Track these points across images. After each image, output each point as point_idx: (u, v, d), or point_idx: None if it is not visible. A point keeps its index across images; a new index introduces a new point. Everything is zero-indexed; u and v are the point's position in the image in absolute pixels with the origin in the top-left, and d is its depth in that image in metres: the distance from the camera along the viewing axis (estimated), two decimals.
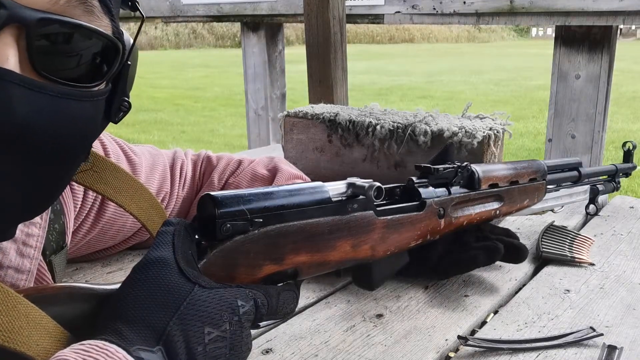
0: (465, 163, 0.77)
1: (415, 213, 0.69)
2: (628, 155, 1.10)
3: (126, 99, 0.54)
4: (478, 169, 0.78)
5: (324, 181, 0.59)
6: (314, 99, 1.75)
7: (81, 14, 0.45)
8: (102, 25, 0.47)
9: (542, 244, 0.90)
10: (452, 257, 0.77)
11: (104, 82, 0.50)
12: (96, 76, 0.48)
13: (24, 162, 0.44)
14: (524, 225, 1.03)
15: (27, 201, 0.47)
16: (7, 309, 0.41)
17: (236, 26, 16.30)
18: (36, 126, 0.43)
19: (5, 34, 0.41)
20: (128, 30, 0.55)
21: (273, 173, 0.88)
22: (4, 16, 0.40)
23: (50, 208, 0.64)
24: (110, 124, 0.56)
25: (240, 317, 0.46)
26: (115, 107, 0.53)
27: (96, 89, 0.49)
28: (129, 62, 0.53)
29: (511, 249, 0.80)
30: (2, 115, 0.40)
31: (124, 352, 0.40)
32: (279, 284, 0.53)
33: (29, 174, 0.45)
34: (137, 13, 0.55)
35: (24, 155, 0.43)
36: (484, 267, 0.80)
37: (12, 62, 0.41)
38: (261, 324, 0.51)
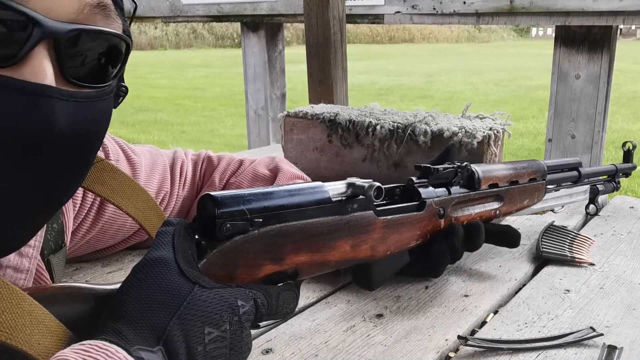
0: (465, 163, 0.77)
1: (415, 213, 0.69)
2: (628, 155, 1.10)
3: (123, 84, 0.56)
4: (478, 169, 0.78)
5: (324, 181, 0.59)
6: (314, 99, 1.75)
7: (100, 19, 0.47)
8: (117, 26, 0.49)
9: (542, 244, 0.90)
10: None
11: (116, 78, 0.52)
12: (112, 74, 0.50)
13: (49, 165, 0.45)
14: (524, 225, 1.03)
15: (44, 203, 0.48)
16: (10, 307, 0.42)
17: (236, 26, 16.31)
18: (70, 132, 0.44)
19: (39, 49, 0.42)
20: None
21: (274, 173, 0.88)
22: (39, 34, 0.42)
23: None
24: (110, 124, 0.56)
25: (240, 317, 0.46)
26: (115, 93, 0.55)
27: (111, 84, 0.50)
28: None
29: (505, 233, 0.80)
30: (46, 127, 0.42)
31: (124, 352, 0.40)
32: (279, 284, 0.53)
33: (62, 177, 0.47)
34: (135, 13, 0.56)
35: (51, 160, 0.45)
36: (476, 259, 0.80)
37: (49, 76, 0.43)
38: (261, 324, 0.51)
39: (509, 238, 0.80)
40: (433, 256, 0.73)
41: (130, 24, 0.55)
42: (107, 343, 0.40)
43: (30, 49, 0.41)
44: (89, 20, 0.46)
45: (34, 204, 0.46)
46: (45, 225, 0.62)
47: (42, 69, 0.42)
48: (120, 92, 0.55)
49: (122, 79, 0.55)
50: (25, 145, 0.42)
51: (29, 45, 0.41)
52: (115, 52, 0.49)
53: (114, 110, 0.54)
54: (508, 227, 0.81)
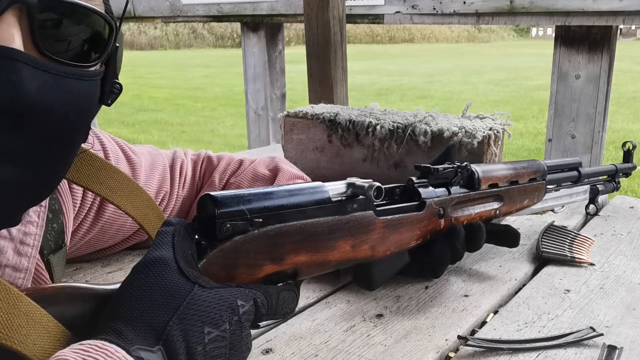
0: (465, 163, 0.77)
1: (415, 213, 0.69)
2: (628, 155, 1.10)
3: (117, 81, 0.55)
4: (478, 169, 0.78)
5: (324, 181, 0.59)
6: (314, 99, 1.75)
7: None
8: (96, 4, 0.49)
9: (542, 244, 0.90)
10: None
11: (100, 63, 0.51)
12: (93, 56, 0.50)
13: (32, 140, 0.45)
14: (524, 225, 1.03)
15: (35, 182, 0.48)
16: (7, 307, 0.42)
17: (236, 26, 16.31)
18: (44, 104, 0.44)
19: (8, 15, 0.42)
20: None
21: (274, 173, 0.88)
22: None
23: (48, 207, 0.64)
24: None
25: (240, 316, 0.46)
26: (108, 89, 0.54)
27: (93, 69, 0.50)
28: (117, 45, 0.54)
29: (504, 233, 0.80)
30: (12, 92, 0.41)
31: (124, 352, 0.40)
32: (279, 284, 0.53)
33: (37, 152, 0.46)
34: (135, 13, 0.56)
35: (32, 134, 0.44)
36: (477, 259, 0.80)
37: (17, 42, 0.42)
38: (261, 324, 0.51)
39: (509, 238, 0.80)
40: (434, 256, 0.73)
41: (122, 18, 0.55)
42: (106, 343, 0.40)
43: (0, 13, 0.41)
44: None
45: (12, 182, 0.46)
46: (44, 225, 0.62)
47: (9, 34, 0.41)
48: (115, 89, 0.55)
49: (115, 76, 0.55)
50: None
51: None
52: (96, 31, 0.49)
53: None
54: (508, 226, 0.81)
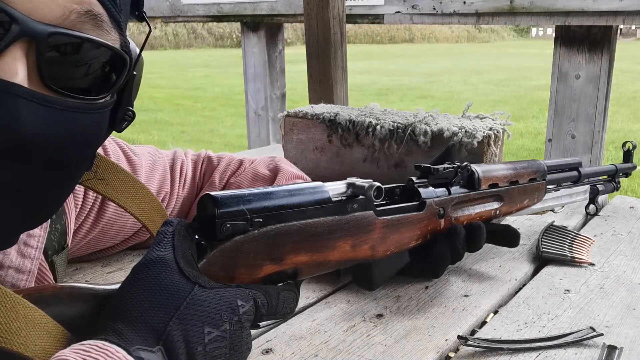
0: (465, 163, 0.77)
1: (415, 213, 0.69)
2: (628, 155, 1.10)
3: (130, 108, 0.55)
4: (478, 169, 0.78)
5: (324, 181, 0.59)
6: (314, 99, 1.75)
7: (90, 28, 0.45)
8: (111, 39, 0.48)
9: (542, 244, 0.90)
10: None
11: (110, 94, 0.50)
12: (103, 89, 0.49)
13: (28, 173, 0.44)
14: (524, 225, 1.03)
15: (29, 211, 0.47)
16: (5, 310, 0.42)
17: (236, 26, 16.29)
18: (42, 138, 0.43)
19: (15, 48, 0.41)
20: (127, 31, 0.55)
21: (274, 173, 0.88)
22: (16, 31, 0.40)
23: None
24: None
25: (240, 317, 0.46)
26: (120, 116, 0.54)
27: (102, 101, 0.49)
28: (134, 73, 0.53)
29: (504, 233, 0.79)
30: (9, 127, 0.41)
31: (124, 352, 0.40)
32: (279, 284, 0.53)
33: (32, 184, 0.45)
34: (150, 34, 0.55)
35: (28, 166, 0.44)
36: (476, 258, 0.80)
37: (20, 76, 0.41)
38: (261, 324, 0.51)
39: (509, 238, 0.80)
40: (434, 257, 0.73)
41: (143, 47, 0.54)
42: (106, 343, 0.40)
43: (6, 46, 0.40)
44: (77, 28, 0.44)
45: (10, 213, 0.45)
46: (48, 226, 0.62)
47: (13, 67, 0.41)
48: (127, 117, 0.54)
49: (130, 103, 0.54)
50: None
51: (4, 42, 0.40)
52: (108, 65, 0.48)
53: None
54: (507, 226, 0.81)
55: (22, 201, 0.45)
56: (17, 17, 0.40)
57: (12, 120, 0.41)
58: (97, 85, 0.48)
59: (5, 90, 0.40)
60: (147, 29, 0.55)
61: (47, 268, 0.63)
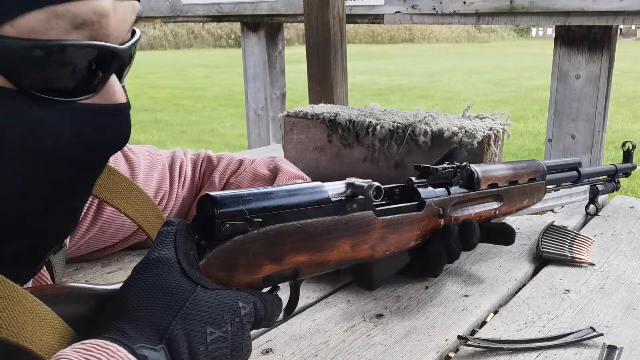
0: (465, 163, 0.77)
1: (414, 213, 0.69)
2: (628, 155, 1.10)
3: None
4: (477, 169, 0.78)
5: (323, 181, 0.59)
6: (314, 99, 1.75)
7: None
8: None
9: (542, 244, 0.90)
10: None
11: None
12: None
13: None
14: (524, 225, 1.03)
15: (63, 230, 0.53)
16: (12, 304, 0.42)
17: (236, 26, 16.29)
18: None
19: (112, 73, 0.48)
20: None
21: (274, 173, 0.88)
22: (116, 62, 0.47)
23: None
24: None
25: (242, 318, 0.47)
26: None
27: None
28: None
29: (500, 230, 0.79)
30: (126, 133, 0.50)
31: (125, 351, 0.40)
32: (265, 291, 0.53)
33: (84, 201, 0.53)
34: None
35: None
36: (472, 259, 0.80)
37: (119, 92, 0.48)
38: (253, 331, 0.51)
39: (504, 235, 0.79)
40: (429, 256, 0.73)
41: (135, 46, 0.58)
42: (108, 342, 0.40)
43: (110, 75, 0.46)
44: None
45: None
46: None
47: (118, 89, 0.47)
48: None
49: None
50: (112, 150, 0.50)
51: (109, 73, 0.46)
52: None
53: None
54: (503, 224, 0.81)
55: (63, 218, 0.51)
56: (116, 51, 0.46)
57: (126, 128, 0.50)
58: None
59: (122, 108, 0.48)
60: (145, 28, 0.56)
61: (44, 268, 0.63)
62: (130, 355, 0.40)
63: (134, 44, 0.50)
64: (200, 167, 0.92)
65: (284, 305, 0.56)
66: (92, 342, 0.40)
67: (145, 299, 0.43)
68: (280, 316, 0.54)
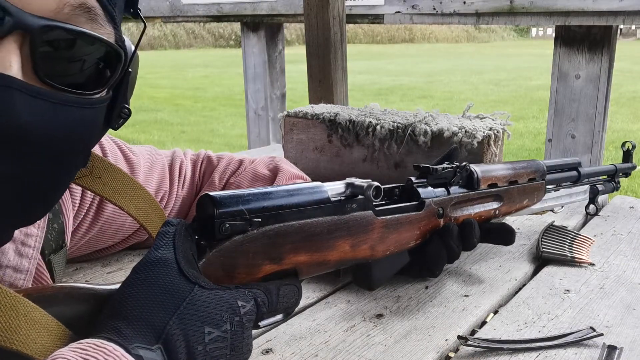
0: (464, 163, 0.77)
1: (414, 213, 0.69)
2: (627, 155, 1.10)
3: (126, 105, 0.54)
4: (477, 169, 0.78)
5: (323, 181, 0.59)
6: (314, 99, 1.75)
7: (85, 21, 0.45)
8: (105, 33, 0.47)
9: (542, 244, 0.90)
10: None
11: (105, 90, 0.50)
12: (98, 83, 0.48)
13: (21, 165, 0.44)
14: (524, 225, 1.03)
15: (23, 205, 0.47)
16: (5, 309, 0.42)
17: (236, 26, 16.30)
18: (35, 131, 0.43)
19: (9, 41, 0.41)
20: (127, 31, 0.55)
21: (274, 173, 0.88)
22: (10, 23, 0.40)
23: None
24: None
25: (242, 317, 0.46)
26: (116, 113, 0.54)
27: (97, 96, 0.49)
28: (130, 70, 0.53)
29: (499, 230, 0.79)
30: (4, 118, 0.41)
31: (122, 350, 0.40)
32: (279, 279, 0.53)
33: (31, 177, 0.45)
34: (145, 31, 0.56)
35: (22, 159, 0.43)
36: (472, 258, 0.80)
37: (14, 68, 0.41)
38: (263, 323, 0.51)
39: (504, 234, 0.79)
40: (429, 256, 0.73)
41: (138, 44, 0.54)
42: (104, 341, 0.40)
43: (0, 39, 0.41)
44: (71, 21, 0.44)
45: (14, 203, 0.45)
46: (45, 226, 0.62)
47: (7, 60, 0.41)
48: (123, 114, 0.54)
49: (125, 100, 0.54)
50: None
51: None
52: (102, 59, 0.48)
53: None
54: (503, 224, 0.81)
55: (16, 192, 0.45)
56: (10, 10, 0.40)
57: (6, 111, 0.41)
58: (91, 79, 0.48)
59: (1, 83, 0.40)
60: (147, 29, 0.55)
61: (44, 267, 0.63)
62: (127, 355, 0.40)
63: (59, 30, 0.43)
64: (200, 167, 0.92)
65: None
66: (89, 341, 0.40)
67: (142, 298, 0.43)
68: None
